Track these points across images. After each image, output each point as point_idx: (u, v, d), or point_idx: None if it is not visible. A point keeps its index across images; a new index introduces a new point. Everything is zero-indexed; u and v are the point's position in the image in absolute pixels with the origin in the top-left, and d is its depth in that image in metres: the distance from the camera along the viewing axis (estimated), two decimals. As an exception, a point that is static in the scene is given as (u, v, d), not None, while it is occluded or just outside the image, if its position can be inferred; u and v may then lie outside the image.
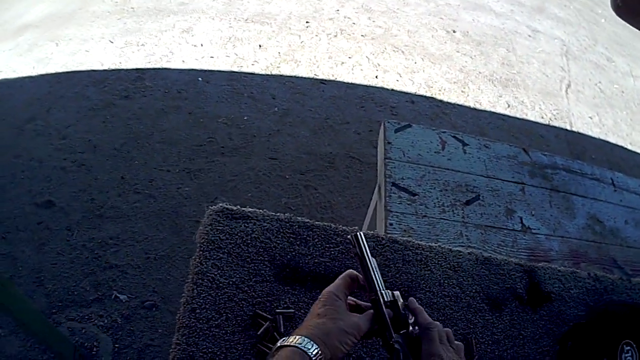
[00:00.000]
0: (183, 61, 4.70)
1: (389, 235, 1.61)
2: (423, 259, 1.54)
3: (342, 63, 5.09)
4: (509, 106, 5.09)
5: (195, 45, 4.92)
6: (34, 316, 2.26)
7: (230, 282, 1.36)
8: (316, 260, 1.46)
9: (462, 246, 1.83)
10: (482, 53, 5.84)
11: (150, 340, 2.72)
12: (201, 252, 1.40)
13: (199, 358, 1.22)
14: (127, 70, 4.51)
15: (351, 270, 1.11)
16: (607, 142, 5.09)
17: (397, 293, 1.07)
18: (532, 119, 5.04)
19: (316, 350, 0.90)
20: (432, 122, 4.58)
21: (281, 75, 4.76)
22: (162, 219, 3.32)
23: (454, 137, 2.31)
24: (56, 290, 2.85)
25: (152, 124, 4.00)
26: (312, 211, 3.58)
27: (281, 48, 5.10)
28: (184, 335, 1.25)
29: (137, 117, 4.03)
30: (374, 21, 5.92)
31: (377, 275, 1.06)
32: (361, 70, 5.06)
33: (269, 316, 1.32)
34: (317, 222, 1.55)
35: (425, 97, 4.91)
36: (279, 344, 0.93)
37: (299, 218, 1.54)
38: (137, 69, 4.53)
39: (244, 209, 1.52)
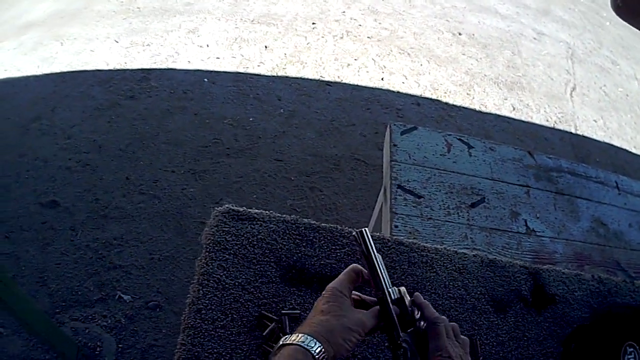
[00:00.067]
0: (189, 62, 4.70)
1: (394, 237, 1.61)
2: (429, 261, 1.54)
3: (348, 65, 5.09)
4: (514, 109, 5.09)
5: (201, 46, 4.92)
6: (37, 316, 2.26)
7: (236, 283, 1.36)
8: (322, 262, 1.46)
9: (467, 248, 1.83)
10: (488, 56, 5.83)
11: (154, 341, 2.73)
12: (207, 253, 1.40)
13: (204, 358, 1.22)
14: (132, 70, 4.51)
15: (355, 264, 1.09)
16: (612, 145, 5.08)
17: (403, 289, 1.05)
18: (537, 121, 5.04)
19: (319, 349, 0.89)
20: (437, 124, 4.58)
21: (287, 77, 4.76)
22: (167, 220, 3.32)
23: (459, 139, 2.31)
24: (60, 290, 2.86)
25: (158, 124, 4.00)
26: (317, 213, 3.58)
27: (287, 49, 5.11)
28: (189, 336, 1.25)
29: (143, 118, 4.04)
30: (380, 23, 5.92)
31: (383, 272, 1.04)
32: (367, 72, 5.06)
33: (275, 317, 1.32)
34: (323, 224, 1.55)
35: (430, 99, 4.91)
36: (281, 342, 0.93)
37: (305, 220, 1.54)
38: (142, 69, 4.53)
39: (250, 210, 1.52)
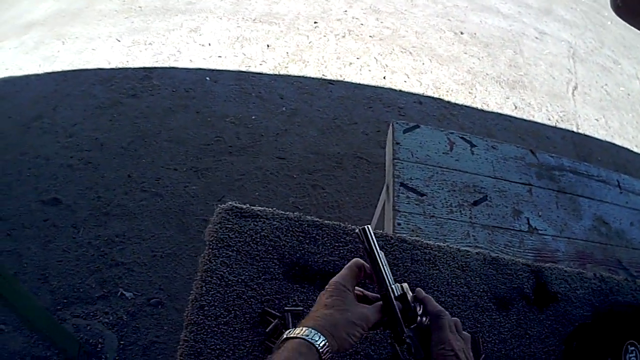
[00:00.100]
0: (191, 60, 4.71)
1: (397, 235, 1.61)
2: (431, 259, 1.55)
3: (350, 63, 5.09)
4: (516, 108, 5.09)
5: (203, 45, 4.92)
6: (38, 313, 2.26)
7: (239, 280, 1.36)
8: (325, 259, 1.46)
9: (470, 246, 1.83)
10: (490, 55, 5.83)
11: (156, 338, 2.73)
12: (210, 250, 1.40)
13: (207, 355, 1.22)
14: (134, 69, 4.52)
15: (357, 259, 1.09)
16: (613, 144, 5.08)
17: (405, 285, 1.06)
18: (539, 120, 5.04)
19: (323, 342, 0.89)
20: (439, 123, 4.58)
21: (289, 75, 4.76)
22: (169, 217, 3.32)
23: (462, 138, 2.31)
24: (61, 287, 2.86)
25: (160, 122, 4.00)
26: (319, 211, 3.58)
27: (289, 48, 5.11)
28: (192, 332, 1.25)
29: (145, 116, 4.04)
30: (382, 22, 5.93)
31: (386, 269, 1.04)
32: (369, 70, 5.06)
33: (278, 314, 1.32)
34: (326, 221, 1.55)
35: (433, 98, 4.92)
36: (285, 336, 0.92)
37: (309, 217, 1.54)
38: (144, 68, 4.54)
39: (253, 207, 1.53)
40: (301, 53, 5.06)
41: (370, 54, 5.31)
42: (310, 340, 0.89)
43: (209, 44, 4.94)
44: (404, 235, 1.66)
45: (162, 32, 5.03)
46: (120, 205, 3.34)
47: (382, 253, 1.06)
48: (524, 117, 5.02)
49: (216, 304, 1.30)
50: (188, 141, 3.88)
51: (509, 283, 1.57)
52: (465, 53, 5.73)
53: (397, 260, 1.51)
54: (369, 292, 1.12)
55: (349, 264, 1.08)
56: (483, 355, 1.40)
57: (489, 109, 4.97)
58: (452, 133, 2.32)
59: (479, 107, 4.96)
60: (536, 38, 6.48)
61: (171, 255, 3.11)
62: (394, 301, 1.02)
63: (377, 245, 1.06)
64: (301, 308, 1.35)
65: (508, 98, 5.19)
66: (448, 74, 5.29)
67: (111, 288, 2.90)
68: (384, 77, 5.00)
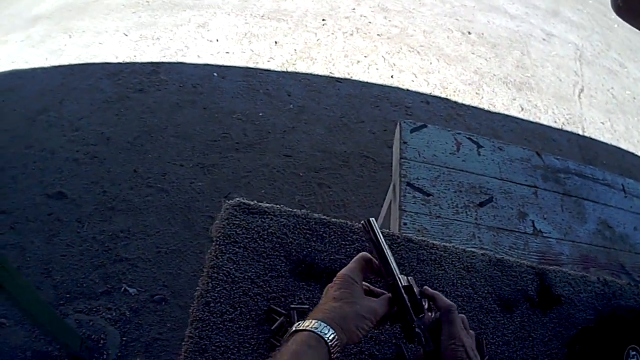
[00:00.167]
0: (198, 56, 4.71)
1: (403, 234, 1.61)
2: (437, 259, 1.55)
3: (358, 62, 5.10)
4: (522, 109, 5.08)
5: (210, 41, 4.93)
6: (41, 307, 2.26)
7: (246, 277, 1.36)
8: (332, 257, 1.47)
9: (475, 247, 1.84)
10: (497, 55, 5.83)
11: (159, 334, 2.73)
12: (217, 246, 1.40)
13: (212, 352, 1.22)
14: (142, 63, 4.52)
15: (364, 252, 1.09)
16: (619, 148, 5.07)
17: (411, 279, 1.06)
18: (545, 122, 5.03)
19: (332, 335, 0.89)
20: (446, 123, 4.58)
21: (297, 73, 4.77)
22: (174, 213, 3.32)
23: (468, 138, 2.31)
24: (64, 281, 2.86)
25: (167, 118, 4.01)
26: (325, 209, 3.58)
27: (297, 45, 5.11)
28: (197, 329, 1.25)
29: (152, 111, 4.05)
30: (390, 20, 5.93)
31: (392, 259, 1.05)
32: (377, 69, 5.06)
33: (284, 311, 1.32)
34: (333, 219, 1.55)
35: (440, 97, 4.92)
36: (294, 328, 0.92)
37: (316, 214, 1.54)
38: (152, 63, 4.54)
39: (260, 204, 1.53)
40: (309, 50, 5.07)
41: (378, 52, 5.31)
42: (319, 333, 0.89)
43: (217, 40, 4.94)
44: (410, 235, 1.66)
45: (169, 27, 5.03)
46: (126, 200, 3.35)
47: (388, 244, 1.07)
48: (530, 118, 5.02)
49: (222, 300, 1.31)
50: (195, 137, 3.88)
51: (514, 285, 1.57)
52: (473, 53, 5.73)
53: (403, 259, 1.51)
54: (375, 287, 1.12)
55: (356, 257, 1.08)
56: (487, 357, 1.40)
57: (496, 110, 4.97)
58: (459, 133, 2.32)
59: (486, 107, 4.96)
60: (543, 39, 6.47)
61: (176, 252, 3.12)
62: (402, 290, 1.03)
63: (382, 236, 1.06)
64: (307, 306, 1.35)
65: (515, 99, 5.19)
66: (455, 74, 5.29)
67: (115, 284, 2.90)
68: (392, 76, 5.00)
